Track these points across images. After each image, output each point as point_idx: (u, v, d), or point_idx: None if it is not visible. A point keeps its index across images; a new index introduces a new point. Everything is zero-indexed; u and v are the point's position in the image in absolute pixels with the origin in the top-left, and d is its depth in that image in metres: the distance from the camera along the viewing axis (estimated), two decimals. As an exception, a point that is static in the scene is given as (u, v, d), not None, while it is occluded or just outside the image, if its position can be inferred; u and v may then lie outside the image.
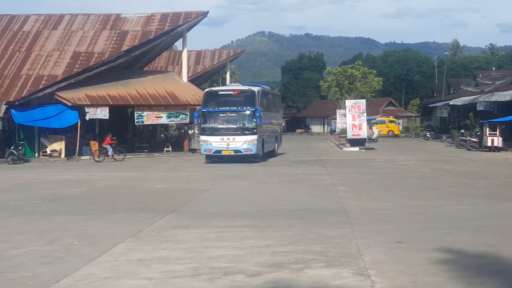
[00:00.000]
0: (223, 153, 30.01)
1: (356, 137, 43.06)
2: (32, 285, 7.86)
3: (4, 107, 35.21)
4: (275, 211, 14.12)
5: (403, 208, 14.20)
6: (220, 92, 31.75)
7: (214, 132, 30.17)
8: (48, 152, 36.14)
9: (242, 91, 31.38)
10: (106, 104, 37.16)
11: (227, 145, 29.79)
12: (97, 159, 34.26)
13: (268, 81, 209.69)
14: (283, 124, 39.34)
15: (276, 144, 36.35)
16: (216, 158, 30.65)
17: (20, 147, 34.46)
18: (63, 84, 36.95)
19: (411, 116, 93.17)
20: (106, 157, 34.46)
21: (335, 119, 68.56)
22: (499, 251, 9.28)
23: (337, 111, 64.86)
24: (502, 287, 7.44)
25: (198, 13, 43.60)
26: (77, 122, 36.02)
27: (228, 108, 30.26)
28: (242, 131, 29.84)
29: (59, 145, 36.46)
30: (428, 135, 61.96)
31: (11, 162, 33.15)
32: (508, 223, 12.07)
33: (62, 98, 36.13)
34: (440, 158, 32.69)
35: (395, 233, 10.89)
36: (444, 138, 51.97)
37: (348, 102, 45.34)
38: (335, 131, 68.26)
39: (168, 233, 11.32)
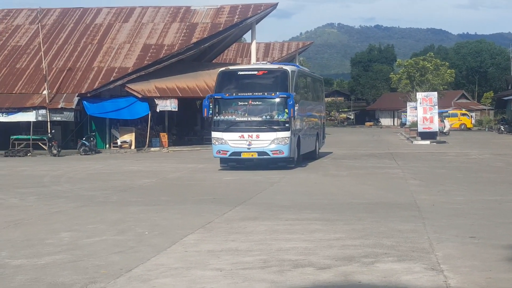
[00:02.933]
0: (243, 155, 22.31)
1: (427, 130, 42.27)
2: (104, 273, 7.99)
3: (76, 99, 36.09)
4: (344, 204, 13.98)
5: (477, 203, 13.84)
6: (240, 73, 23.59)
7: (230, 127, 22.42)
8: (119, 143, 36.89)
9: (271, 71, 23.56)
10: (176, 96, 37.64)
11: (249, 145, 22.12)
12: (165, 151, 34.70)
13: (337, 73, 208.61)
14: (324, 117, 32.62)
15: (317, 143, 28.46)
16: (234, 162, 23.05)
17: (91, 138, 35.31)
18: (134, 76, 37.60)
19: (484, 109, 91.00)
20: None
21: (405, 112, 67.62)
22: None
23: (408, 103, 63.90)
24: None
25: (267, 5, 43.59)
26: (147, 114, 36.59)
27: (251, 94, 22.51)
28: (270, 125, 22.20)
29: (130, 137, 37.16)
30: (502, 129, 60.33)
31: (83, 153, 33.99)
32: None
33: (133, 90, 36.76)
34: (515, 152, 31.75)
35: (469, 228, 10.62)
36: (518, 132, 50.49)
37: (419, 95, 44.54)
38: (405, 124, 67.28)
39: (237, 224, 11.34)
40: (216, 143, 22.56)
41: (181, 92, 38.09)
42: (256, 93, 22.49)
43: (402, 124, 76.32)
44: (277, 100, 22.28)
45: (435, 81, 64.22)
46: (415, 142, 42.11)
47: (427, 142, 41.07)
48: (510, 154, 30.23)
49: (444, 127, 55.10)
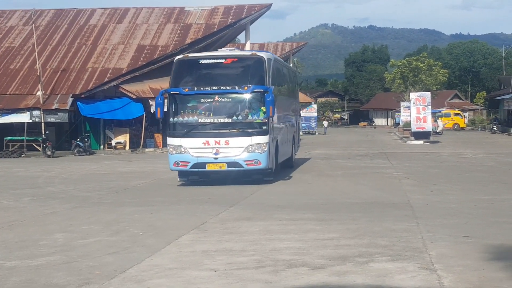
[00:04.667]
0: (209, 167, 17.70)
1: (421, 130, 42.39)
2: (98, 274, 8.00)
3: (70, 99, 36.06)
4: (338, 204, 14.01)
5: (470, 202, 13.89)
6: (202, 61, 18.70)
7: (191, 131, 17.76)
8: (113, 144, 36.87)
9: (242, 59, 18.83)
10: (170, 97, 37.60)
11: (216, 154, 17.56)
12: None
13: (331, 73, 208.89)
14: (299, 116, 28.62)
15: (293, 148, 23.55)
16: (197, 176, 18.42)
17: (86, 139, 35.29)
18: (128, 77, 37.59)
19: (477, 109, 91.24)
20: None
21: (399, 112, 67.79)
22: None
23: (401, 103, 64.05)
24: None
25: (261, 5, 43.64)
26: (142, 115, 36.56)
27: (217, 88, 17.83)
28: (243, 128, 17.68)
29: (124, 138, 37.15)
30: (495, 128, 60.52)
31: (77, 154, 33.96)
32: None
33: (127, 91, 36.73)
34: (508, 151, 31.86)
35: (462, 228, 10.66)
36: (511, 131, 50.64)
37: (413, 95, 44.64)
38: (399, 124, 67.43)
39: (232, 225, 11.36)
40: (174, 152, 17.82)
41: (175, 93, 38.08)
42: (224, 87, 17.77)
43: (396, 124, 76.51)
44: (252, 95, 17.74)
45: (428, 81, 64.36)
46: (409, 142, 42.20)
47: (421, 142, 41.17)
48: (502, 153, 30.34)
49: (438, 127, 55.25)
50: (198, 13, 43.62)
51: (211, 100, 17.84)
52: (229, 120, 17.77)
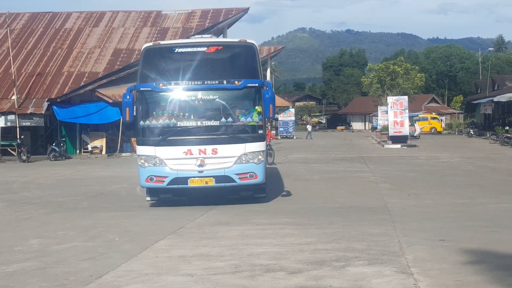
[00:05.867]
0: (192, 183, 14.23)
1: (398, 134, 42.60)
2: (74, 280, 7.91)
3: (46, 104, 35.77)
4: (316, 208, 14.02)
5: (446, 206, 13.97)
6: (178, 50, 15.05)
7: (169, 137, 14.31)
8: (89, 149, 36.61)
9: (228, 46, 15.49)
10: (147, 101, 37.42)
11: (201, 167, 14.17)
12: None
13: (308, 77, 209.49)
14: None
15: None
16: (174, 194, 14.90)
17: (61, 144, 35.01)
18: (104, 81, 37.39)
19: (454, 113, 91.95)
20: None
21: (377, 116, 68.10)
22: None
23: (379, 108, 64.36)
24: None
25: (238, 9, 43.68)
26: (119, 119, 36.35)
27: (200, 83, 14.41)
28: (234, 133, 14.39)
29: (100, 142, 36.91)
30: (472, 132, 61.00)
31: (53, 159, 33.66)
32: (556, 221, 11.77)
33: (103, 95, 36.50)
34: (484, 155, 32.14)
35: (438, 231, 10.71)
36: (488, 135, 51.10)
37: (390, 99, 44.88)
38: (376, 128, 67.75)
39: (209, 230, 11.31)
40: (145, 164, 14.34)
41: (152, 97, 37.93)
42: (209, 82, 14.34)
43: (373, 128, 76.89)
44: (244, 92, 14.48)
45: (405, 85, 64.77)
46: (386, 146, 42.40)
47: (398, 146, 41.38)
48: (479, 157, 30.59)
49: (415, 131, 55.56)
50: (175, 17, 43.53)
51: (193, 98, 14.42)
52: (216, 123, 14.35)
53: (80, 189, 19.08)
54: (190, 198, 15.13)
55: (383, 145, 43.84)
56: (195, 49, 14.96)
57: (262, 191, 15.13)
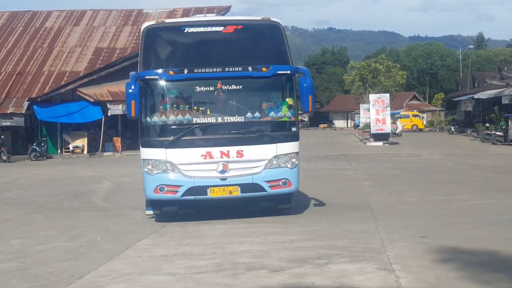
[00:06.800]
0: (212, 193, 11.81)
1: (380, 131, 42.76)
2: (55, 281, 7.87)
3: (26, 103, 35.54)
4: (298, 206, 14.02)
5: (428, 203, 14.05)
6: (189, 30, 12.43)
7: (183, 138, 11.84)
8: (71, 148, 36.38)
9: (249, 26, 12.84)
10: (129, 100, 37.24)
11: (223, 173, 11.79)
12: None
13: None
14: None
15: None
16: (189, 207, 12.56)
17: (42, 144, 34.79)
18: (85, 80, 37.16)
19: (435, 110, 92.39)
20: None
21: (359, 114, 68.20)
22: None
23: (361, 105, 64.49)
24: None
25: (220, 7, 43.59)
26: (101, 118, 36.18)
27: (220, 70, 11.96)
28: (264, 131, 12.06)
29: (82, 142, 36.71)
30: (453, 129, 61.38)
31: (34, 159, 33.42)
32: (535, 217, 11.88)
33: (84, 94, 36.29)
34: (465, 152, 32.35)
35: (420, 228, 10.77)
36: (468, 132, 51.45)
37: (372, 97, 45.04)
38: (358, 125, 67.94)
39: (192, 228, 11.29)
40: (154, 171, 11.84)
41: (134, 96, 37.79)
42: (231, 69, 11.92)
43: (356, 126, 77.08)
44: (273, 80, 12.12)
45: (387, 83, 64.97)
46: (368, 144, 42.55)
47: (380, 143, 41.53)
48: (460, 154, 30.78)
49: (397, 128, 55.80)
50: (156, 16, 43.37)
51: (211, 88, 11.91)
52: (241, 118, 11.94)
53: (62, 189, 18.96)
54: (201, 210, 12.60)
55: (365, 143, 43.99)
56: (209, 29, 12.37)
57: (287, 201, 12.67)
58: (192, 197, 11.76)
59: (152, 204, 12.37)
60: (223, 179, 11.75)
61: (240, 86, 12.03)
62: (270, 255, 8.93)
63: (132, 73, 11.99)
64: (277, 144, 11.94)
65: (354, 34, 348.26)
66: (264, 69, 11.92)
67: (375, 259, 8.50)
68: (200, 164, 11.71)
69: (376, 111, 42.93)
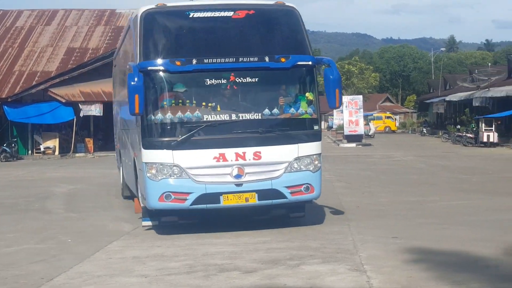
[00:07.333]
0: (226, 201, 10.47)
1: (353, 133, 43.00)
2: (24, 283, 7.77)
3: (-4, 104, 35.08)
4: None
5: (400, 204, 14.14)
6: (194, 15, 10.83)
7: (192, 137, 10.36)
8: (42, 149, 36.00)
9: (262, 11, 11.35)
10: (101, 100, 36.96)
11: (238, 178, 10.44)
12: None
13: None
14: None
15: None
16: (191, 217, 11.26)
17: (13, 145, 34.41)
18: (57, 80, 36.77)
19: (408, 112, 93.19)
20: None
21: (332, 115, 68.51)
22: (493, 246, 9.21)
23: (334, 107, 64.70)
24: (497, 279, 7.37)
25: None
26: (73, 119, 35.85)
27: (232, 60, 10.58)
28: (284, 130, 10.74)
29: (53, 142, 36.35)
30: (425, 131, 61.94)
31: (4, 160, 33.03)
32: (504, 218, 12.01)
33: (56, 94, 35.95)
34: (437, 153, 32.65)
35: (392, 229, 10.83)
36: (440, 134, 51.98)
37: (345, 98, 45.19)
38: (332, 127, 68.21)
39: (164, 230, 11.21)
40: (159, 175, 10.37)
41: (106, 97, 37.44)
42: (245, 59, 10.62)
43: (329, 127, 77.38)
44: (292, 72, 10.89)
45: (360, 84, 65.51)
46: (342, 145, 42.74)
47: (353, 144, 41.75)
48: (431, 155, 31.05)
49: (370, 130, 56.16)
50: (129, 16, 43.12)
51: (224, 81, 10.55)
52: (258, 116, 10.60)
53: (32, 190, 18.74)
54: (204, 221, 11.34)
55: (338, 144, 44.18)
56: (217, 14, 10.92)
57: (301, 209, 11.50)
58: (203, 205, 10.42)
59: (151, 214, 11.00)
60: (239, 184, 10.41)
61: (256, 79, 10.66)
62: (243, 256, 8.91)
63: (132, 63, 10.54)
64: (299, 144, 10.67)
65: (328, 36, 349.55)
66: (282, 59, 10.64)
67: (347, 260, 8.52)
68: (212, 167, 10.35)
69: (349, 112, 43.18)
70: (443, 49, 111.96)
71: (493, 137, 38.53)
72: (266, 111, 10.57)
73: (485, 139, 38.54)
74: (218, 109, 10.46)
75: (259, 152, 10.47)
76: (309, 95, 10.78)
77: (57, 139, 36.47)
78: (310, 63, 10.89)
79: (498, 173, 21.98)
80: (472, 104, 47.67)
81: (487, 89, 45.15)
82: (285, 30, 11.21)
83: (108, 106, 38.46)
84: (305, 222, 11.64)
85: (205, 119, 10.37)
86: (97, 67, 38.58)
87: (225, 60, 10.46)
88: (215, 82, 10.50)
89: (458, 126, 48.89)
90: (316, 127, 10.89)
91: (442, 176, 20.65)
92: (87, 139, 37.65)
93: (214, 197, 10.35)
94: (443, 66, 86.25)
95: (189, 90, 10.56)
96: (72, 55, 39.37)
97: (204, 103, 10.43)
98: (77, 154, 36.01)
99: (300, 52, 10.89)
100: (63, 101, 35.76)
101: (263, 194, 10.47)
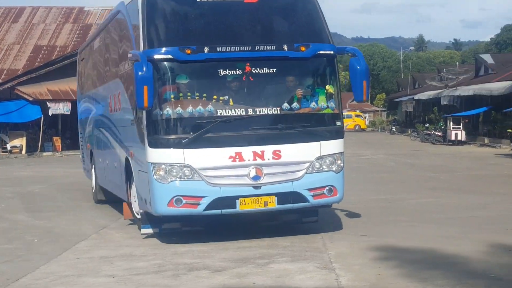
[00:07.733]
0: (243, 206, 9.35)
1: (322, 131, 43.05)
2: (-11, 284, 7.65)
3: (-39, 102, 34.55)
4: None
5: (369, 202, 14.21)
6: None
7: (205, 135, 9.22)
8: (8, 148, 35.50)
9: None
10: (69, 99, 36.56)
11: (256, 179, 9.35)
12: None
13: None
14: None
15: None
16: (195, 224, 10.18)
17: (-22, 144, 33.88)
18: (24, 78, 36.27)
19: (377, 111, 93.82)
20: None
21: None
22: (460, 243, 9.31)
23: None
24: (464, 275, 7.43)
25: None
26: (40, 118, 35.43)
27: (248, 48, 9.43)
28: (305, 126, 9.75)
29: (20, 141, 35.86)
30: (394, 129, 62.43)
31: (-29, 159, 32.54)
32: (471, 215, 12.14)
33: (23, 93, 35.48)
34: (406, 152, 32.91)
35: (361, 227, 10.88)
36: (409, 132, 52.41)
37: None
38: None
39: (133, 229, 11.12)
40: (168, 177, 9.26)
41: (75, 95, 37.01)
42: (262, 47, 9.55)
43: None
44: (312, 62, 9.95)
45: (329, 83, 65.69)
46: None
47: (323, 143, 41.80)
48: (401, 154, 31.29)
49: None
50: (98, 13, 42.82)
51: (239, 72, 9.50)
52: (276, 110, 9.60)
53: (-1, 189, 18.48)
54: (208, 227, 10.41)
55: (308, 143, 44.23)
56: None
57: (314, 213, 10.59)
58: (218, 211, 9.34)
59: (151, 220, 9.92)
60: (257, 187, 9.39)
61: (274, 70, 9.60)
62: (212, 255, 8.88)
63: (136, 51, 9.33)
64: (321, 142, 9.78)
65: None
66: (302, 48, 9.59)
67: (316, 258, 8.53)
68: (228, 168, 9.31)
69: (318, 111, 43.25)
70: (412, 48, 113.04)
71: (461, 135, 38.99)
72: (285, 105, 9.58)
73: (453, 137, 38.97)
74: (232, 103, 9.37)
75: (279, 151, 9.48)
76: (330, 88, 9.84)
77: (24, 138, 36.00)
78: (331, 52, 9.91)
79: (466, 171, 22.24)
80: (440, 103, 48.19)
81: (455, 88, 45.66)
82: (303, 16, 10.11)
83: (76, 105, 38.21)
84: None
85: (219, 114, 9.29)
86: (65, 65, 38.07)
87: (240, 48, 9.39)
88: (229, 72, 9.42)
89: (427, 125, 49.39)
90: (338, 123, 10.11)
91: (411, 174, 20.83)
92: (54, 138, 37.23)
93: (230, 201, 9.30)
94: (412, 65, 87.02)
95: (201, 81, 9.54)
96: (40, 53, 38.94)
97: (216, 97, 9.34)
98: (44, 153, 35.60)
99: (320, 41, 9.88)
100: (30, 99, 35.32)
101: (283, 197, 9.50)
